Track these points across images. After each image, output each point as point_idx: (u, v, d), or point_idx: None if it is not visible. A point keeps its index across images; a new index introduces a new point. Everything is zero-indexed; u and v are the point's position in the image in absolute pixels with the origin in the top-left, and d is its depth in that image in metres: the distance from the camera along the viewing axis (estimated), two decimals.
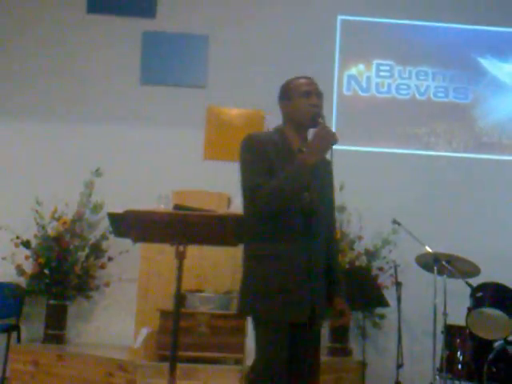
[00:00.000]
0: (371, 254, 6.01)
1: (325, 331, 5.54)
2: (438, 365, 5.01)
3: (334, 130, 2.78)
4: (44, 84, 6.41)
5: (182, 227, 2.99)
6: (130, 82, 6.49)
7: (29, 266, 5.80)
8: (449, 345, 5.04)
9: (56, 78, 6.43)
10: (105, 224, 5.57)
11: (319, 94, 2.91)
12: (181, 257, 3.01)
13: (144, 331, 4.96)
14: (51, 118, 6.38)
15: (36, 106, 6.39)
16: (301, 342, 2.79)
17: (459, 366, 5.05)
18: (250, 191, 2.77)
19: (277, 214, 2.75)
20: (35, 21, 6.51)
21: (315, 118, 2.82)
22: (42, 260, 5.70)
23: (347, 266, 5.71)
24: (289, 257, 2.76)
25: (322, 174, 2.88)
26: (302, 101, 2.88)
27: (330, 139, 2.71)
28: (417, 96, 6.72)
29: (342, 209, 5.89)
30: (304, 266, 2.76)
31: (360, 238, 5.99)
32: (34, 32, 6.49)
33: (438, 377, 4.99)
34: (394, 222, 5.62)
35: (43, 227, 5.83)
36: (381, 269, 5.96)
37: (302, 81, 2.93)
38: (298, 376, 2.80)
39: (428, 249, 5.22)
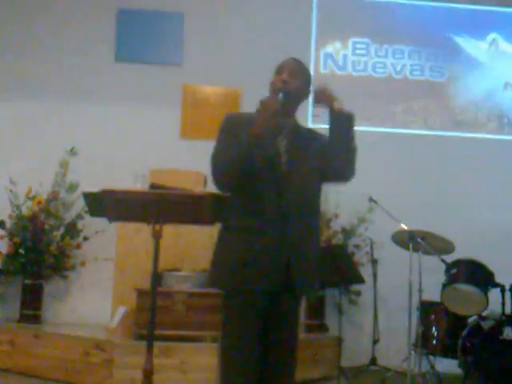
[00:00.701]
0: (347, 232, 6.05)
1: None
2: (413, 340, 5.07)
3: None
4: (17, 61, 6.31)
5: (158, 206, 2.98)
6: (105, 60, 6.42)
7: (4, 246, 5.75)
8: (424, 320, 5.10)
9: (30, 55, 6.33)
10: (80, 203, 5.51)
11: (293, 74, 2.87)
12: (157, 236, 3.00)
13: (121, 310, 4.97)
14: (25, 96, 6.29)
15: (9, 84, 6.29)
16: (277, 313, 2.77)
17: (434, 342, 5.13)
18: (211, 168, 2.79)
19: (238, 186, 2.74)
20: None
21: (274, 91, 2.81)
22: (16, 240, 5.66)
23: (323, 244, 5.75)
24: (259, 228, 2.73)
25: (306, 144, 2.85)
26: (274, 77, 2.88)
27: (268, 109, 2.68)
28: (393, 74, 6.73)
29: None
30: (275, 238, 2.72)
31: (336, 216, 6.03)
32: (6, 9, 6.37)
33: (413, 352, 5.05)
34: (370, 199, 5.65)
35: (18, 207, 5.78)
36: (357, 246, 6.01)
37: (286, 61, 2.92)
38: (275, 348, 2.77)
39: (403, 226, 5.26)
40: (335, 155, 2.82)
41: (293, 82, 2.85)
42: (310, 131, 2.97)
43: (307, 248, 2.82)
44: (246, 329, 2.72)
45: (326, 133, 2.87)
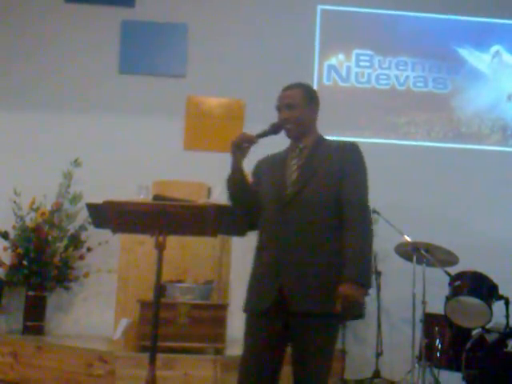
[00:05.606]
0: None
1: None
2: (416, 353, 5.06)
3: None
4: (22, 73, 6.34)
5: (161, 217, 2.98)
6: (109, 71, 6.44)
7: (7, 257, 5.76)
8: (427, 333, 5.08)
9: (34, 67, 6.36)
10: (84, 215, 5.53)
11: (288, 106, 3.01)
12: (160, 247, 3.00)
13: (124, 322, 4.95)
14: (29, 108, 6.31)
15: (13, 95, 6.32)
16: (291, 335, 2.84)
17: (438, 354, 5.10)
18: None
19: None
20: (13, 9, 6.43)
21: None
22: (20, 251, 5.66)
23: None
24: (263, 247, 2.92)
25: (318, 166, 2.93)
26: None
27: (233, 142, 2.90)
28: (396, 86, 6.73)
29: None
30: (271, 257, 2.85)
31: None
32: (11, 20, 6.41)
33: (416, 365, 5.04)
34: (373, 211, 5.63)
35: (21, 218, 5.79)
36: None
37: (280, 95, 3.07)
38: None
39: (407, 238, 5.25)
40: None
41: (290, 113, 2.98)
42: (330, 147, 3.04)
43: (305, 273, 2.80)
44: (249, 346, 2.89)
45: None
